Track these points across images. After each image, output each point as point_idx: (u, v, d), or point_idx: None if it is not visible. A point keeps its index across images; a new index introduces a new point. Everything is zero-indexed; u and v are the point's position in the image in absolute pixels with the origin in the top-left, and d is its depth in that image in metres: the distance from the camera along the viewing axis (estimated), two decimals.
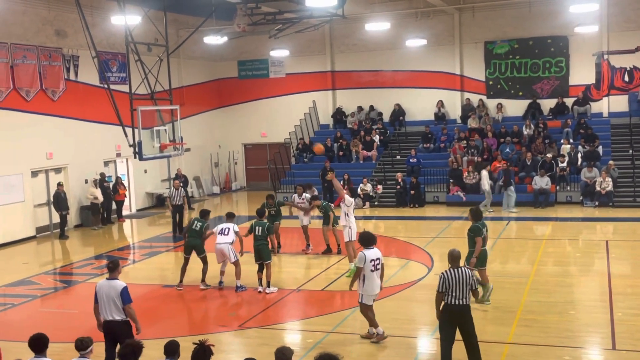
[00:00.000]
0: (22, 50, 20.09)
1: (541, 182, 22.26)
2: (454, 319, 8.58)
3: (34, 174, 20.85)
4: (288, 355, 6.52)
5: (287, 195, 25.93)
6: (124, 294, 8.88)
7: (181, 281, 14.15)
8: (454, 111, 27.76)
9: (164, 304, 13.47)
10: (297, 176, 26.12)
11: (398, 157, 26.41)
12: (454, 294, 8.48)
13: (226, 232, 13.69)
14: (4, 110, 19.53)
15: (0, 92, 19.41)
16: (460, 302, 8.50)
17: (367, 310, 10.13)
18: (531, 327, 10.72)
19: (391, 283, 13.72)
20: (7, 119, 19.58)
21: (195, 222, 14.15)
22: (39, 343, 7.46)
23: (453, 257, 8.71)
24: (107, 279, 9.13)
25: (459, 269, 8.59)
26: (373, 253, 9.98)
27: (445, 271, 8.60)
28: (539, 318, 11.08)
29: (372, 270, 9.91)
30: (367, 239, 10.12)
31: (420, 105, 27.91)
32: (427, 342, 10.49)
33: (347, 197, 14.19)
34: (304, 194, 16.96)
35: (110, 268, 9.19)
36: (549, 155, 23.39)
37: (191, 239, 14.04)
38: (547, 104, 26.42)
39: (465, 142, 25.33)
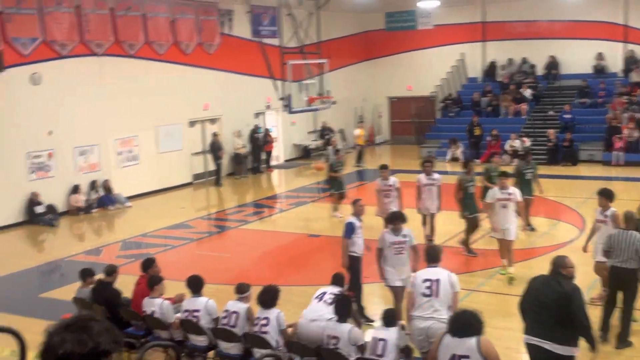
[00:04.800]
0: (182, 6, 21.12)
1: None
2: (615, 282, 8.40)
3: (191, 124, 22.08)
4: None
5: (430, 149, 25.70)
6: (345, 228, 9.65)
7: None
8: (615, 64, 25.86)
9: (310, 253, 13.95)
10: (443, 131, 25.71)
11: (550, 112, 25.15)
12: (617, 256, 8.30)
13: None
14: (165, 63, 20.71)
15: (161, 46, 20.57)
16: (624, 266, 8.26)
17: None
18: None
19: (539, 244, 13.29)
20: (168, 71, 20.75)
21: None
22: (196, 283, 8.07)
23: (627, 218, 8.59)
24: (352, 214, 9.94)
25: (628, 232, 8.37)
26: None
27: (617, 231, 8.48)
28: None
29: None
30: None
31: (577, 57, 26.24)
32: None
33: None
34: (434, 173, 13.09)
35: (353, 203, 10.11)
36: None
37: None
38: None
39: (626, 97, 23.60)
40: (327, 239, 14.63)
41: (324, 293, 7.82)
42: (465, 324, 5.67)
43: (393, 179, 13.24)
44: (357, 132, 25.36)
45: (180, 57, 21.25)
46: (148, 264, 8.85)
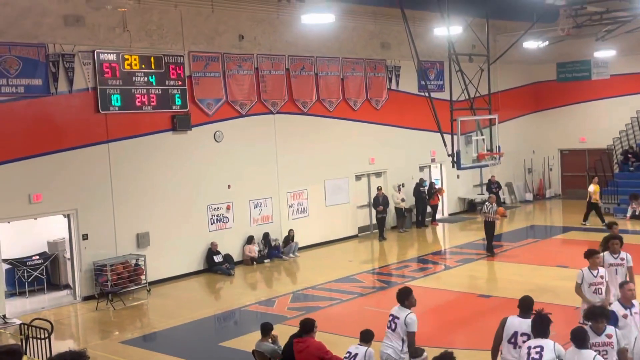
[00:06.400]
0: (351, 64, 21.86)
1: None
2: None
3: (358, 177, 22.53)
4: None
5: (607, 205, 24.13)
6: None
7: None
8: None
9: (479, 314, 13.53)
10: (621, 186, 24.14)
11: None
12: None
13: None
14: (335, 119, 21.44)
15: (331, 103, 21.35)
16: None
17: None
18: None
19: None
20: (337, 127, 21.45)
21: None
22: (367, 334, 8.36)
23: None
24: None
25: None
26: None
27: None
28: None
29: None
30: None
31: None
32: None
33: None
34: (622, 252, 10.66)
35: None
36: None
37: None
38: None
39: None
40: (499, 300, 14.15)
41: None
42: None
43: (624, 253, 10.64)
44: (592, 188, 22.67)
45: (349, 113, 21.90)
46: (309, 327, 8.81)
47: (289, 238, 19.64)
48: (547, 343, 7.13)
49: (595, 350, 7.20)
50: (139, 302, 15.54)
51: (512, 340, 7.69)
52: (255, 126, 19.21)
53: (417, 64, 17.46)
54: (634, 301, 8.26)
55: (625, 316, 8.00)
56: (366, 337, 8.39)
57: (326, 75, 21.12)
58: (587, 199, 22.63)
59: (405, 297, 8.52)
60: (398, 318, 8.39)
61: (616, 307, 8.22)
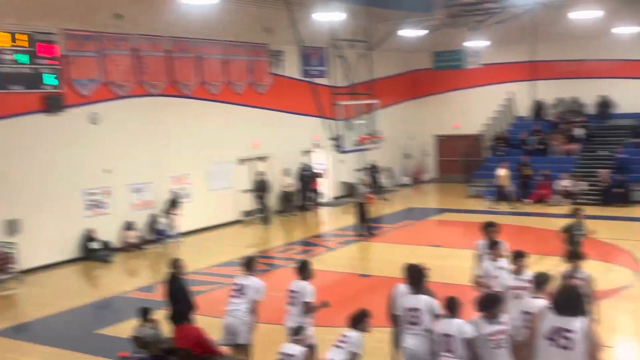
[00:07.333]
0: (234, 47, 21.67)
1: None
2: None
3: (241, 162, 22.42)
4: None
5: (478, 188, 25.44)
6: None
7: None
8: None
9: (360, 293, 13.90)
10: (492, 170, 25.46)
11: (600, 152, 24.74)
12: None
13: None
14: (218, 103, 21.20)
15: (215, 86, 21.08)
16: None
17: None
18: None
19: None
20: (221, 111, 21.24)
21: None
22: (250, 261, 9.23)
23: None
24: None
25: None
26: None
27: None
28: None
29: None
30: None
31: (630, 97, 25.87)
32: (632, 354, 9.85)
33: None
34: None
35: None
36: None
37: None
38: None
39: None
40: (377, 279, 14.59)
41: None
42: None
43: (530, 273, 8.14)
44: (502, 172, 22.95)
45: (233, 97, 21.73)
46: (184, 315, 9.13)
47: (175, 202, 19.15)
48: (420, 301, 7.57)
49: (491, 341, 6.64)
50: (9, 292, 14.73)
51: None
52: (135, 109, 18.65)
53: (299, 49, 17.58)
54: None
55: None
56: (249, 265, 9.10)
57: (209, 58, 20.82)
58: (497, 183, 22.96)
59: (304, 269, 9.02)
60: (297, 292, 8.71)
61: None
